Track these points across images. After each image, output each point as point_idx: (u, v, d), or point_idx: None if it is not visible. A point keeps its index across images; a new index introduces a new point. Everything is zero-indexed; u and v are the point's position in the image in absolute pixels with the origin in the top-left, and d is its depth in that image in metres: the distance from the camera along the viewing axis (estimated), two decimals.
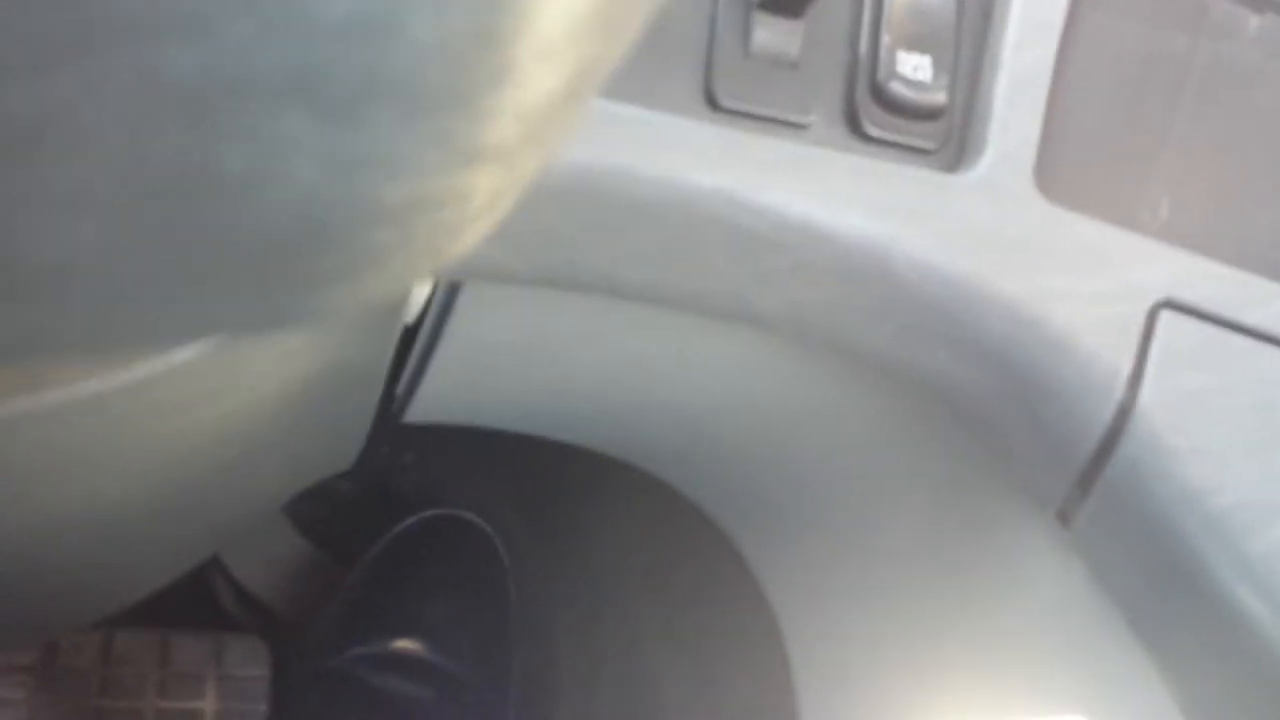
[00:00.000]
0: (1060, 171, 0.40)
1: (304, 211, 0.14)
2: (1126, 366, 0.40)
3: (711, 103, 0.35)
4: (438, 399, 0.54)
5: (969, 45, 0.39)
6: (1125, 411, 0.40)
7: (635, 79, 0.34)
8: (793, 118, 0.36)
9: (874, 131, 0.37)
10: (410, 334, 0.49)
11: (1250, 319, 0.41)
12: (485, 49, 0.12)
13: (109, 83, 0.11)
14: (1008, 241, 0.38)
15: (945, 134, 0.38)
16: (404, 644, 0.79)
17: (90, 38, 0.10)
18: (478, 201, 0.16)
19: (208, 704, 0.89)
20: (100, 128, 0.11)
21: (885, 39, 0.37)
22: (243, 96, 0.12)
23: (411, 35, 0.12)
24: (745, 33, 0.35)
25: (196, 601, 0.92)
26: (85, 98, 0.11)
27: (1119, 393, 0.40)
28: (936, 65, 0.37)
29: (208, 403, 0.36)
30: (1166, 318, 0.40)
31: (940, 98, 0.37)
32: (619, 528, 0.80)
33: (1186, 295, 0.41)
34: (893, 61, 0.37)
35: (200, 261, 0.15)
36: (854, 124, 0.37)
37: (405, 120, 0.13)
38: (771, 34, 0.35)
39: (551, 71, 0.13)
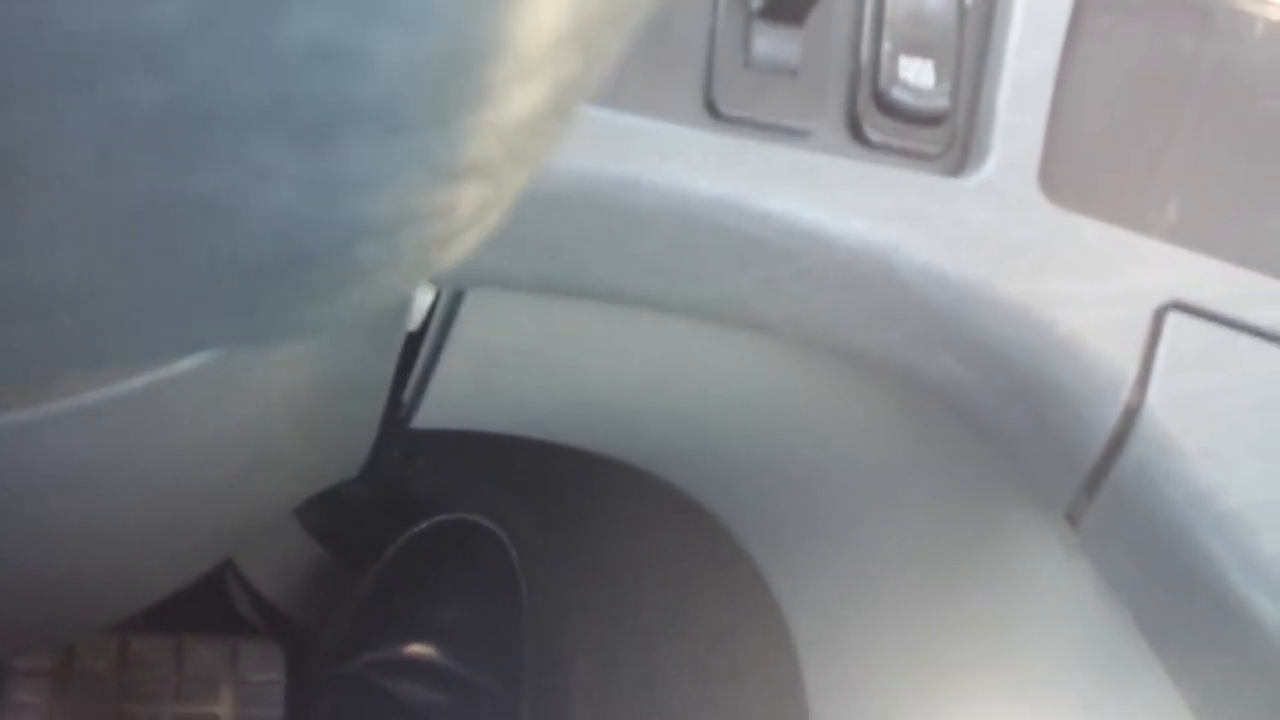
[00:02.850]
0: (1065, 174, 0.40)
1: (286, 232, 0.14)
2: (1133, 368, 0.40)
3: (713, 111, 0.35)
4: (445, 405, 0.54)
5: (971, 49, 0.38)
6: (1132, 413, 0.40)
7: (636, 88, 0.34)
8: (795, 125, 0.36)
9: (876, 137, 0.37)
10: (415, 340, 0.49)
11: (1257, 319, 0.41)
12: (460, 72, 0.12)
13: (73, 117, 0.11)
14: (1013, 245, 0.38)
15: (949, 139, 0.38)
16: (417, 648, 0.79)
17: (49, 73, 0.10)
18: (464, 214, 0.16)
19: (223, 708, 0.89)
20: (69, 160, 0.11)
21: (886, 45, 0.37)
22: (213, 125, 0.12)
23: (382, 61, 0.12)
24: (745, 41, 0.35)
25: (212, 606, 0.93)
26: (50, 132, 0.11)
27: (1126, 394, 0.40)
28: (939, 70, 0.37)
29: (211, 411, 0.36)
30: (1173, 319, 0.40)
31: (943, 102, 0.37)
32: (630, 531, 0.80)
33: (1193, 296, 0.40)
34: (894, 67, 0.37)
35: (184, 283, 0.15)
36: (856, 130, 0.37)
37: (382, 141, 0.13)
38: (772, 42, 0.35)
39: (531, 91, 0.13)
